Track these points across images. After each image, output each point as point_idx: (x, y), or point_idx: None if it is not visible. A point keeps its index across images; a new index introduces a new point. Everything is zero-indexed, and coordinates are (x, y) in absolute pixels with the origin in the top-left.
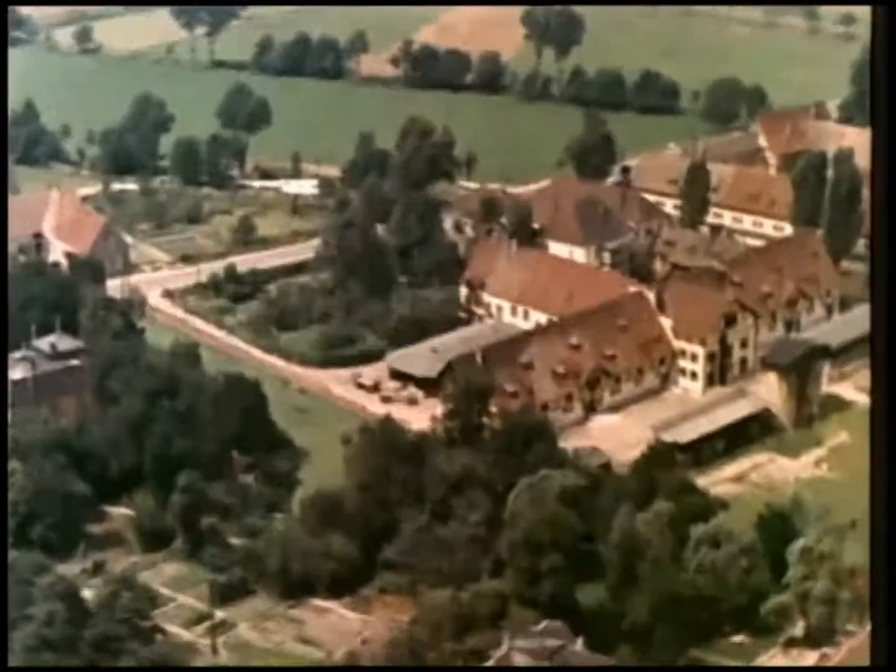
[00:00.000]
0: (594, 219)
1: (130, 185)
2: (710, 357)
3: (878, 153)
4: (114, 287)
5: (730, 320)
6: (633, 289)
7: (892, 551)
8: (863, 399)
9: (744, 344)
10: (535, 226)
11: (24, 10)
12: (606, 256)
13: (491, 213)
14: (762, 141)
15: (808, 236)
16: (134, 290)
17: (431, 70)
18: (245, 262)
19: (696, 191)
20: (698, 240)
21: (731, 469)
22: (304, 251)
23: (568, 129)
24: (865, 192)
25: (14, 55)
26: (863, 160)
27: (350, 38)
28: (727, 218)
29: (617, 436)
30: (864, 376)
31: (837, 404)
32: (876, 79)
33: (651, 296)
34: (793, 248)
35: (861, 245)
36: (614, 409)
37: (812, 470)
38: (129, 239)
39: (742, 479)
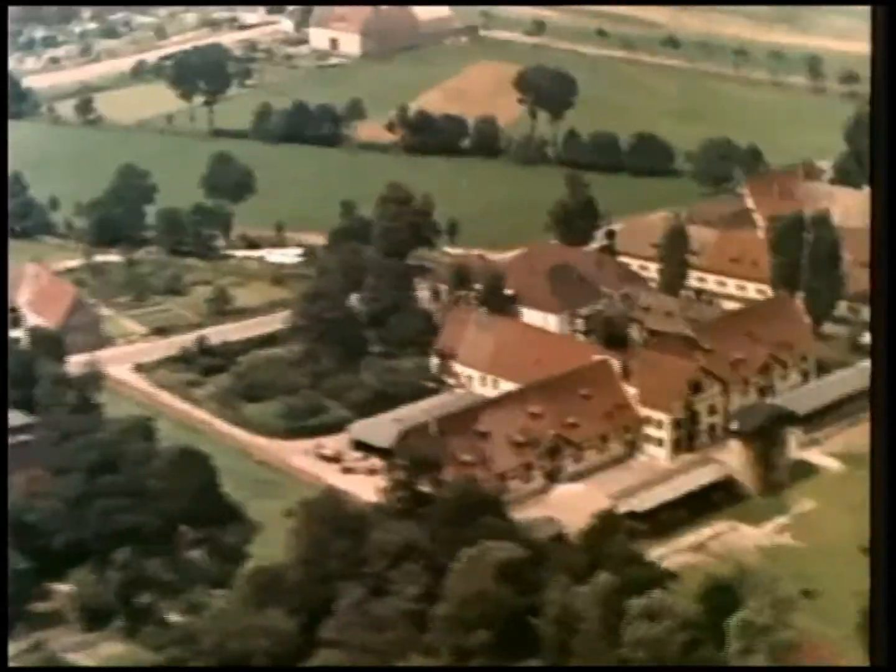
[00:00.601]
0: (567, 285)
1: (114, 257)
2: (677, 424)
3: (879, 148)
4: (80, 361)
5: (696, 387)
6: (598, 357)
7: (891, 552)
8: (833, 465)
9: (712, 411)
10: (509, 292)
11: (26, 83)
12: (580, 323)
13: (464, 281)
14: (750, 203)
15: (783, 301)
16: (97, 365)
17: (428, 135)
18: (220, 333)
19: (675, 255)
20: (675, 305)
21: (691, 538)
22: (280, 321)
23: (561, 193)
24: (846, 254)
25: (17, 127)
26: (853, 220)
27: (347, 105)
28: (711, 282)
29: (578, 505)
30: (835, 442)
31: (806, 470)
32: (876, 79)
33: (616, 363)
34: (767, 313)
35: (843, 308)
36: (578, 477)
37: (774, 538)
38: (106, 311)
39: (701, 549)
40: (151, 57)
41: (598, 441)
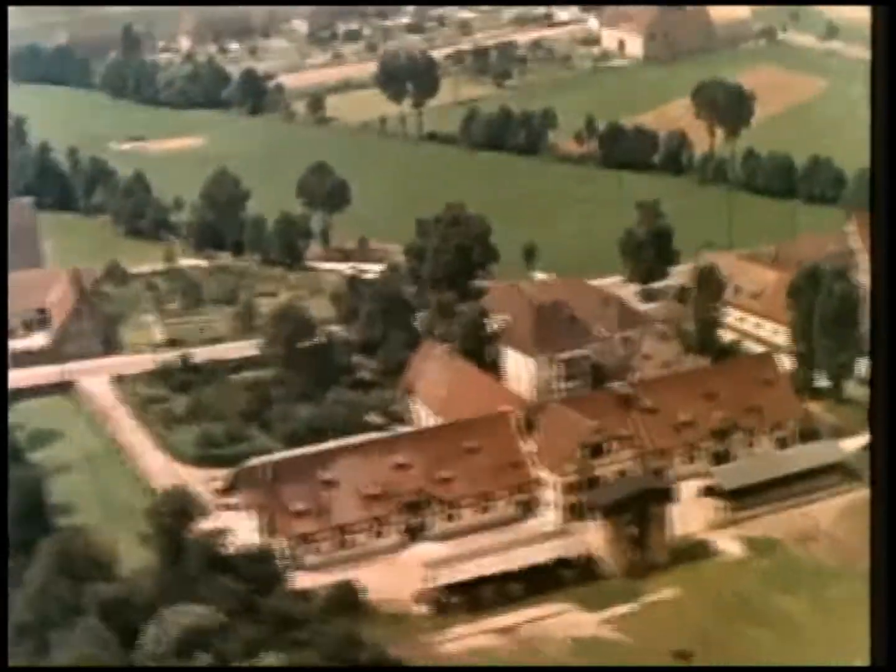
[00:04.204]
0: (552, 325)
1: (195, 262)
2: (571, 488)
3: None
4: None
5: (597, 450)
6: (504, 408)
7: (892, 550)
8: (734, 551)
9: (622, 476)
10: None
11: (279, 81)
12: (562, 367)
13: (447, 314)
14: (856, 241)
15: (760, 362)
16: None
17: (618, 148)
18: (220, 350)
19: (705, 299)
20: (671, 355)
21: (506, 619)
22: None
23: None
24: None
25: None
26: None
27: (541, 114)
28: (767, 328)
29: (415, 570)
30: (757, 524)
31: (698, 553)
32: (877, 79)
33: (517, 417)
34: (736, 374)
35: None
36: (447, 537)
37: (598, 629)
38: (149, 317)
39: (509, 632)
40: (438, 54)
41: (479, 499)
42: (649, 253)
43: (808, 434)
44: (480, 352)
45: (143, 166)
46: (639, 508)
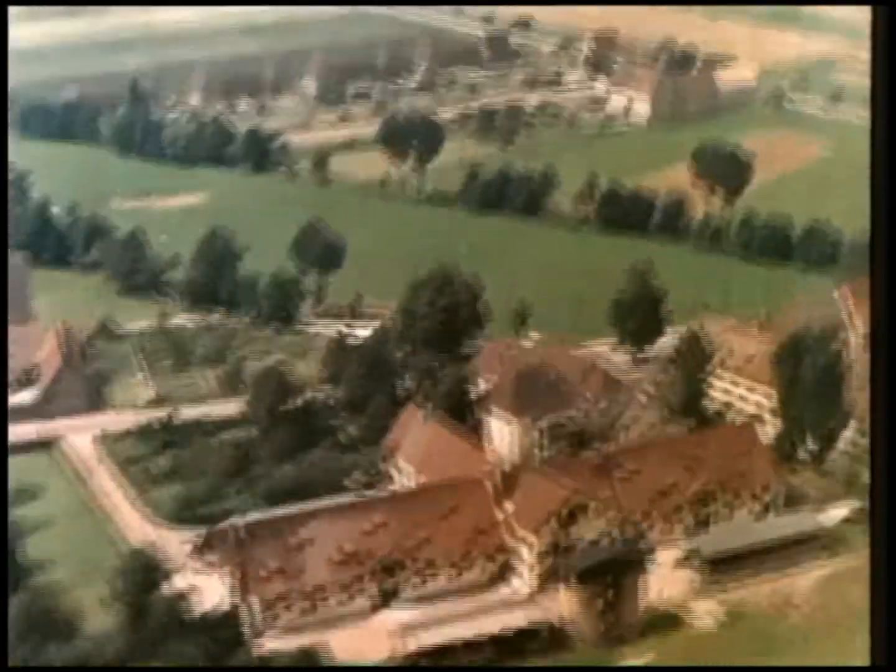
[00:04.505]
0: (533, 389)
1: (194, 320)
2: (547, 553)
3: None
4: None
5: (574, 513)
6: (484, 468)
7: (892, 550)
8: (706, 623)
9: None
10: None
11: (284, 139)
12: (541, 432)
13: (431, 379)
14: (849, 309)
15: (744, 426)
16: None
17: (617, 210)
18: (205, 409)
19: (689, 366)
20: (655, 420)
21: None
22: None
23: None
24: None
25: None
26: None
27: (542, 175)
28: (759, 393)
29: (386, 634)
30: (733, 591)
31: (669, 623)
32: (876, 80)
33: (496, 480)
34: (719, 441)
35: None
36: (422, 600)
37: None
38: (139, 375)
39: None
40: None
41: (457, 561)
42: (641, 315)
43: (794, 500)
44: (463, 414)
45: (143, 222)
46: (614, 574)
